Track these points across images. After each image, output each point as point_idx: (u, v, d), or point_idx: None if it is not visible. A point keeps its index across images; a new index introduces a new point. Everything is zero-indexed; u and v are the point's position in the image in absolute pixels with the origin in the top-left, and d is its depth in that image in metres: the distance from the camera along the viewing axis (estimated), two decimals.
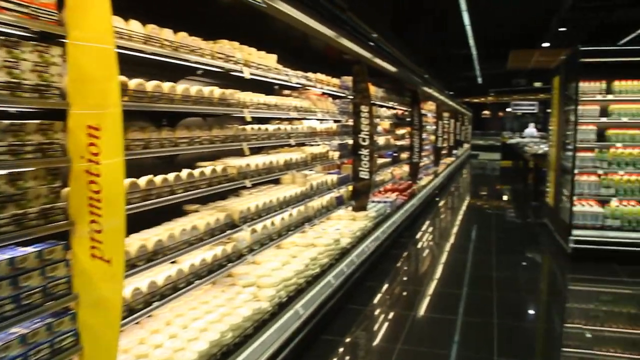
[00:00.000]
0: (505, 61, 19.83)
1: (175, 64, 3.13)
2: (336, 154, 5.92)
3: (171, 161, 3.68)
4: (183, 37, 3.08)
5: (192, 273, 3.22)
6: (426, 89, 11.49)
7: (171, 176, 3.07)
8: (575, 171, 6.81)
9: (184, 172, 3.22)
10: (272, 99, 4.38)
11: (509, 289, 5.65)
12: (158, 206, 2.94)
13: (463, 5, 12.23)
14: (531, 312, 5.26)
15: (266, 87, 4.84)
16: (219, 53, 3.48)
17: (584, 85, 6.82)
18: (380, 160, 7.93)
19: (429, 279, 6.00)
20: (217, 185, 3.51)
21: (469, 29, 14.85)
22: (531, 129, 20.81)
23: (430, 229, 8.97)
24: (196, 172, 3.33)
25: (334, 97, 6.25)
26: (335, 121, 6.20)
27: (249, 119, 3.75)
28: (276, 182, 5.14)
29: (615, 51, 6.71)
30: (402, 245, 7.50)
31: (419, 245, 7.74)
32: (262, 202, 4.07)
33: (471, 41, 16.78)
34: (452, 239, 8.09)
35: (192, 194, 3.25)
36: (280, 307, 3.84)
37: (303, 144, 5.56)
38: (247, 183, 3.80)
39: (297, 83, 4.78)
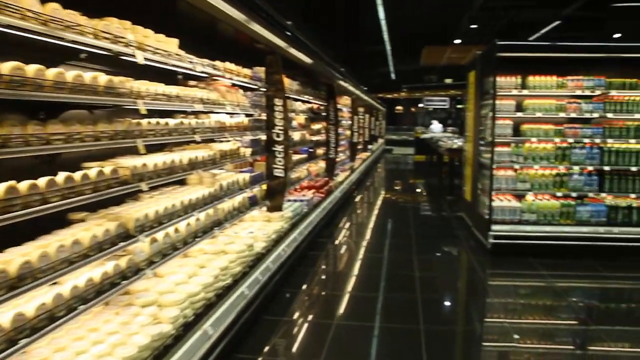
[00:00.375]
0: (419, 57, 20.12)
1: (48, 44, 2.54)
2: (248, 151, 5.45)
3: (52, 162, 3.06)
4: (54, 9, 2.50)
5: (75, 297, 2.65)
6: (342, 83, 11.23)
7: (42, 181, 2.50)
8: (494, 166, 6.75)
9: (61, 176, 2.64)
10: (173, 90, 3.84)
11: (431, 289, 5.44)
12: (27, 218, 2.37)
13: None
14: (456, 313, 5.09)
15: (168, 77, 4.28)
16: (105, 32, 2.91)
17: (500, 80, 6.78)
18: (295, 157, 7.54)
19: (350, 282, 5.68)
20: (105, 190, 2.96)
21: (383, 23, 14.79)
22: (436, 125, 21.31)
23: (349, 227, 8.71)
24: (77, 175, 2.76)
25: (246, 89, 5.76)
26: (247, 115, 5.72)
27: (143, 112, 3.20)
28: (182, 183, 4.59)
29: (531, 46, 6.73)
30: (320, 245, 7.15)
31: (338, 245, 7.42)
32: (163, 207, 3.54)
33: (386, 36, 16.78)
34: (371, 237, 7.84)
35: (74, 201, 2.69)
36: (186, 329, 3.33)
37: (212, 140, 5.05)
38: (144, 186, 3.26)
39: (202, 72, 4.25)
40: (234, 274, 4.22)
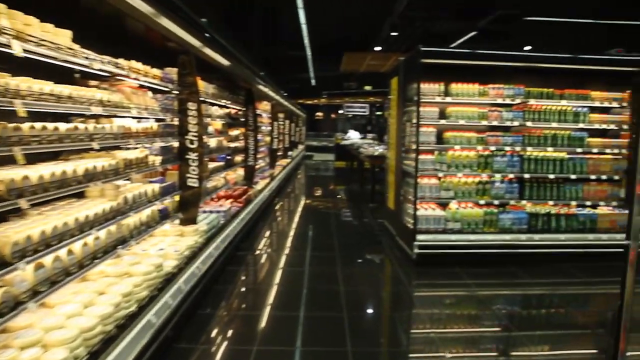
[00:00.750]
0: (339, 64, 20.05)
1: None
2: (158, 159, 4.92)
3: None
4: None
5: None
6: (262, 87, 10.83)
7: None
8: (418, 174, 6.61)
9: None
10: (64, 89, 3.30)
11: (357, 306, 5.15)
12: None
13: (299, 2, 11.81)
14: (383, 329, 4.82)
15: (64, 75, 3.71)
16: None
17: (423, 87, 6.64)
18: (212, 165, 7.04)
19: (271, 300, 5.27)
20: None
21: (304, 28, 14.53)
22: (353, 133, 21.45)
23: (270, 238, 8.30)
24: None
25: (156, 91, 5.24)
26: (157, 120, 5.20)
27: (22, 114, 2.66)
28: (81, 196, 4.02)
29: (454, 54, 6.64)
30: (239, 259, 6.71)
31: (258, 258, 7.00)
32: (52, 226, 3.00)
33: (306, 41, 16.55)
34: (293, 248, 7.48)
35: None
36: None
37: (118, 148, 4.50)
38: (23, 204, 2.72)
39: (101, 70, 3.72)
40: (140, 299, 3.71)
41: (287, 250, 7.36)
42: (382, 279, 6.47)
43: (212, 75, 7.39)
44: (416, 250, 6.43)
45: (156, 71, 4.93)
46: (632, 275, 2.45)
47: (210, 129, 7.23)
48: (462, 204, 6.86)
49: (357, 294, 5.59)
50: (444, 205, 6.92)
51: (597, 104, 7.10)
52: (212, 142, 7.19)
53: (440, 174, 6.83)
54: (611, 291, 5.63)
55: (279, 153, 15.36)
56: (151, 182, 5.07)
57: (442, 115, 6.92)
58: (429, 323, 4.83)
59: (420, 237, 6.49)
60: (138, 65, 4.44)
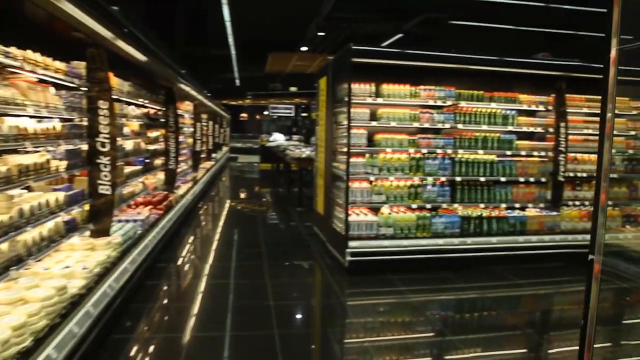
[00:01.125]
0: (264, 64, 19.63)
1: None
2: (63, 164, 4.33)
3: None
4: None
5: None
6: (183, 86, 10.24)
7: None
8: (349, 178, 6.34)
9: None
10: None
11: (289, 321, 4.81)
12: None
13: None
14: (317, 346, 4.48)
15: None
16: None
17: (354, 87, 6.39)
18: (128, 169, 6.44)
19: (195, 319, 4.80)
20: None
21: (228, 25, 13.99)
22: (277, 135, 21.20)
23: (193, 246, 7.78)
24: None
25: (60, 87, 4.62)
26: (63, 120, 4.60)
27: None
28: None
29: (386, 53, 6.43)
30: (159, 272, 6.16)
31: (181, 270, 6.49)
32: None
33: (231, 39, 15.99)
34: (218, 258, 7.01)
35: None
36: None
37: (15, 151, 3.90)
38: None
39: None
40: (36, 330, 3.16)
41: (211, 260, 6.88)
42: (313, 289, 6.15)
43: (128, 71, 6.78)
44: (348, 258, 6.16)
45: (60, 64, 4.33)
46: (596, 290, 2.24)
47: (126, 130, 6.63)
48: (394, 209, 6.68)
49: (288, 308, 5.24)
50: (375, 209, 6.70)
51: (525, 107, 7.15)
52: (128, 145, 6.58)
53: (372, 178, 6.61)
54: (540, 292, 6.06)
55: (203, 155, 14.77)
56: (56, 190, 4.47)
57: (373, 116, 6.71)
58: (362, 332, 4.66)
59: (352, 243, 6.22)
60: (35, 56, 3.85)
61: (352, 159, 6.38)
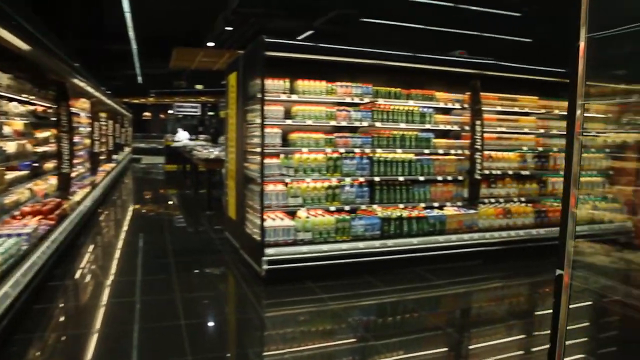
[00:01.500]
0: (168, 60, 18.68)
1: None
2: None
3: None
4: None
5: None
6: (78, 82, 9.34)
7: None
8: (263, 180, 5.93)
9: None
10: None
11: (204, 344, 4.29)
12: None
13: None
14: None
15: None
16: None
17: (267, 83, 5.98)
18: (11, 174, 5.63)
19: (94, 351, 4.16)
20: None
21: (129, 17, 13.05)
22: (182, 133, 20.37)
23: (92, 259, 7.00)
24: None
25: None
26: None
27: None
28: None
29: (301, 46, 6.05)
30: (51, 292, 5.39)
31: (77, 289, 5.75)
32: None
33: (131, 33, 14.98)
34: (120, 272, 6.32)
35: None
36: None
37: None
38: None
39: None
40: None
41: (113, 274, 6.18)
42: (229, 303, 5.67)
43: (8, 63, 5.94)
44: (265, 267, 5.74)
45: None
46: (566, 303, 1.99)
47: (7, 129, 5.79)
48: (312, 212, 6.35)
49: (202, 326, 4.73)
50: (292, 213, 6.34)
51: (441, 104, 7.07)
52: (11, 147, 5.76)
53: (288, 180, 6.25)
54: (460, 291, 6.02)
55: (102, 157, 13.73)
56: None
57: (288, 114, 6.33)
58: (282, 344, 4.32)
59: (269, 251, 5.81)
60: None
61: (266, 160, 5.97)
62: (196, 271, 6.52)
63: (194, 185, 13.75)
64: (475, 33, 12.90)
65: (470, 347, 4.58)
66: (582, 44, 1.97)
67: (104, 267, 6.59)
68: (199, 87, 27.67)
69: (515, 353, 4.39)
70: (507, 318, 5.14)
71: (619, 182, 8.33)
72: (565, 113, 7.75)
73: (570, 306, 2.00)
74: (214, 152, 11.82)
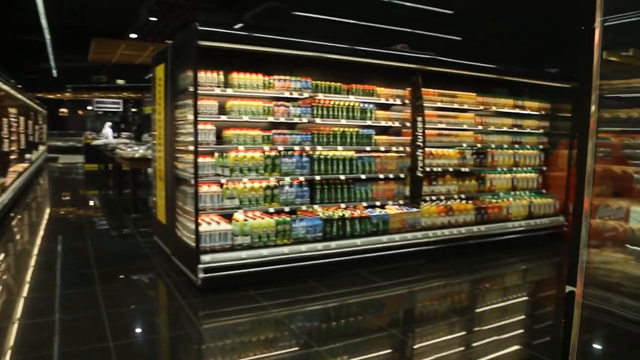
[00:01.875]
0: (87, 53, 17.53)
1: None
2: None
3: None
4: None
5: None
6: None
7: None
8: (197, 181, 5.48)
9: None
10: None
11: None
12: None
13: None
14: None
15: None
16: None
17: (200, 76, 5.54)
18: None
19: None
20: None
21: (41, 4, 12.03)
22: (110, 130, 19.35)
23: (0, 273, 6.26)
24: None
25: None
26: None
27: None
28: None
29: (237, 36, 5.58)
30: None
31: None
32: None
33: (44, 22, 13.86)
34: (35, 286, 5.60)
35: None
36: None
37: None
38: None
39: None
40: None
41: (26, 291, 5.46)
42: (163, 317, 5.18)
43: None
44: (201, 275, 5.29)
45: None
46: (577, 323, 1.72)
47: None
48: (250, 214, 5.96)
49: (134, 347, 4.23)
50: (228, 216, 5.92)
51: (382, 100, 6.87)
52: None
53: (223, 180, 5.83)
54: (404, 291, 5.90)
55: (13, 157, 12.63)
56: None
57: (222, 110, 5.91)
58: (222, 357, 4.04)
59: (205, 257, 5.36)
60: None
61: (200, 159, 5.53)
62: (123, 282, 5.95)
63: (117, 186, 12.92)
64: (409, 30, 12.90)
65: (415, 346, 4.50)
66: (597, 30, 1.70)
67: (16, 281, 5.86)
68: (120, 82, 26.35)
69: (457, 350, 4.38)
70: (449, 316, 5.09)
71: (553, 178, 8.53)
72: (502, 110, 7.80)
73: None
74: (140, 151, 11.11)
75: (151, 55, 8.54)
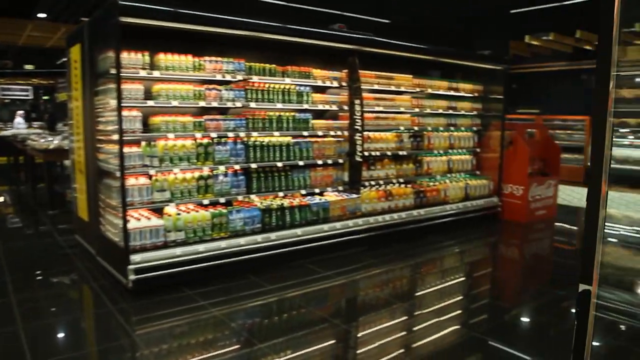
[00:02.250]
0: None
1: None
2: None
3: None
4: None
5: None
6: None
7: None
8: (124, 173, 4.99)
9: None
10: None
11: None
12: None
13: None
14: None
15: None
16: None
17: (123, 57, 5.03)
18: None
19: None
20: None
21: None
22: (20, 120, 17.99)
23: None
24: None
25: None
26: None
27: None
28: None
29: (164, 12, 5.02)
30: None
31: None
32: None
33: None
34: None
35: None
36: None
37: None
38: None
39: None
40: None
41: None
42: (90, 328, 4.65)
43: None
44: (132, 277, 4.83)
45: None
46: (592, 327, 1.51)
47: None
48: (183, 207, 5.54)
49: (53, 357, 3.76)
50: (159, 210, 5.46)
51: (319, 82, 6.59)
52: None
53: (152, 171, 5.37)
54: (347, 280, 5.69)
55: None
56: None
57: (149, 94, 5.42)
58: None
59: (135, 257, 4.90)
60: None
61: (125, 149, 5.04)
62: (41, 288, 5.35)
63: (29, 180, 11.92)
64: (338, 12, 12.63)
65: (358, 335, 4.43)
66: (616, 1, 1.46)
67: None
68: (29, 67, 24.45)
69: (400, 334, 4.39)
70: (392, 302, 5.05)
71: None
72: (438, 92, 7.71)
73: None
74: (54, 142, 10.24)
75: (64, 37, 7.80)
